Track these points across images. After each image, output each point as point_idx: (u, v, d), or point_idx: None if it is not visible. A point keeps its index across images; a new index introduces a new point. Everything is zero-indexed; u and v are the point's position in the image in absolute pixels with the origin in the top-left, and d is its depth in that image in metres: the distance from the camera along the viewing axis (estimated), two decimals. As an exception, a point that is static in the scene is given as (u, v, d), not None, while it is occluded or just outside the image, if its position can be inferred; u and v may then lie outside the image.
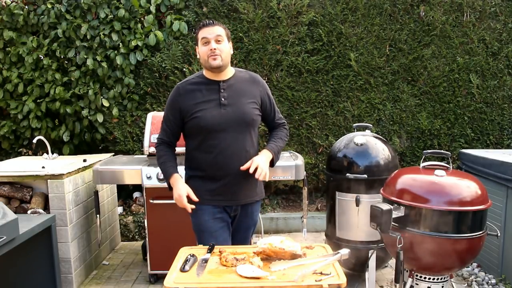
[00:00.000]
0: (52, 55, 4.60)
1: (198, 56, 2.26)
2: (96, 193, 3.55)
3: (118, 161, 3.68)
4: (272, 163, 2.27)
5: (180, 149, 2.37)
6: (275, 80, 4.64)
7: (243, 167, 2.14)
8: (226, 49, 2.20)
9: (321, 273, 1.62)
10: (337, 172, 3.15)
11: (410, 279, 2.46)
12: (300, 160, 3.42)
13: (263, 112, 2.32)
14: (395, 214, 2.35)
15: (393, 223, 2.34)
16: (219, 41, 2.17)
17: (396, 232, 2.34)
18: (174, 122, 2.26)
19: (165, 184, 3.20)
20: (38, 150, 4.77)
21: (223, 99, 2.19)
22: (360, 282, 3.20)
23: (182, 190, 2.16)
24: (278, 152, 2.31)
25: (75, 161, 3.76)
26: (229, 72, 2.27)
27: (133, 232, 4.57)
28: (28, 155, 5.01)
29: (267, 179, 2.15)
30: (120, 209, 4.69)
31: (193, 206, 2.15)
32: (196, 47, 2.26)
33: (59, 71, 4.61)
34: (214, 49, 2.14)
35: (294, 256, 1.77)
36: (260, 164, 2.13)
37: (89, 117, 4.62)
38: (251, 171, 2.11)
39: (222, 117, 2.17)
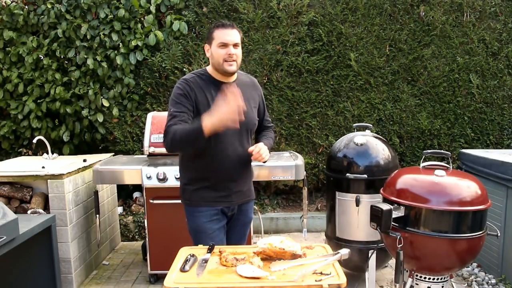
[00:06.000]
0: (52, 55, 4.60)
1: (208, 54, 2.19)
2: (96, 193, 3.55)
3: (118, 161, 3.68)
4: None
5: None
6: (275, 80, 4.64)
7: (250, 149, 2.12)
8: (241, 55, 2.19)
9: (321, 273, 1.62)
10: (337, 172, 3.15)
11: (410, 279, 2.46)
12: (300, 160, 3.42)
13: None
14: (395, 214, 2.35)
15: (393, 223, 2.34)
16: (236, 46, 2.15)
17: (396, 232, 2.34)
18: (189, 109, 2.11)
19: (165, 184, 3.27)
20: (38, 150, 4.77)
21: None
22: (360, 282, 3.20)
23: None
24: (269, 150, 2.29)
25: (75, 161, 3.76)
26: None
27: (133, 232, 4.57)
28: (28, 155, 5.01)
29: (263, 161, 2.14)
30: (120, 209, 4.69)
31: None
32: (207, 45, 2.20)
33: (59, 71, 4.61)
34: (233, 54, 2.12)
35: (294, 256, 1.77)
36: (263, 149, 2.11)
37: (89, 117, 4.62)
38: (255, 152, 2.10)
39: None
